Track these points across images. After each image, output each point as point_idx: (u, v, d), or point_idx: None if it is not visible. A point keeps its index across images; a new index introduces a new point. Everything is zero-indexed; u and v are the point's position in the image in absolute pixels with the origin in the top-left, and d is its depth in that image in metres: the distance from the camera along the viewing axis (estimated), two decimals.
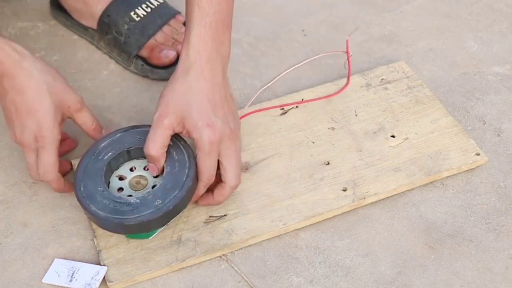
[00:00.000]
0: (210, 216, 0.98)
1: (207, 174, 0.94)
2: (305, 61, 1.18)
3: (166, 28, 1.18)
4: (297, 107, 1.12)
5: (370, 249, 0.98)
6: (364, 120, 1.10)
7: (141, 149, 0.95)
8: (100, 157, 0.96)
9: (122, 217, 0.90)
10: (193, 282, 0.94)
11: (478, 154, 1.05)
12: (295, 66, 1.17)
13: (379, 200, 1.02)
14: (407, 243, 0.98)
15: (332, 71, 1.19)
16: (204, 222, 0.98)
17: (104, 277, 0.92)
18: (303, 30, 1.27)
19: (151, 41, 1.17)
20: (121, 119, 1.13)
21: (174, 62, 1.16)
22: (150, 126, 0.95)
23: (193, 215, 0.98)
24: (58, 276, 0.93)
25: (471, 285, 0.95)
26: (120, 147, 0.97)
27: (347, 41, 1.14)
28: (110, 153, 0.96)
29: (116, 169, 0.97)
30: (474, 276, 0.95)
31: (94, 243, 0.97)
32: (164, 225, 0.96)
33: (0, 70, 0.93)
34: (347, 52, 1.14)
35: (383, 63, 1.20)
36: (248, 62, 1.22)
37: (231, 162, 0.95)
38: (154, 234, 0.96)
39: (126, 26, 1.17)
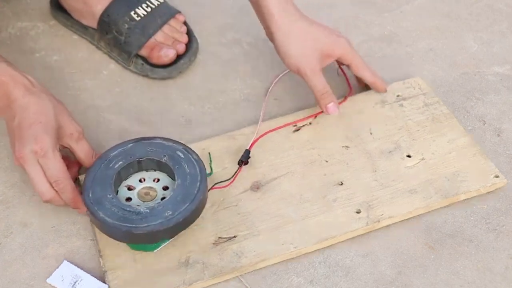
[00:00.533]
0: (219, 238, 0.96)
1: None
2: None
3: (166, 28, 1.18)
4: (310, 123, 1.09)
5: (370, 249, 0.98)
6: (379, 138, 1.07)
7: (152, 160, 0.96)
8: (110, 165, 0.95)
9: (130, 225, 0.89)
10: None
11: (497, 176, 1.02)
12: (283, 74, 1.17)
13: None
14: (407, 243, 0.98)
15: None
16: (213, 244, 0.95)
17: None
18: None
19: (151, 40, 1.17)
20: (121, 119, 1.13)
21: (174, 61, 1.17)
22: (160, 138, 0.97)
23: (202, 236, 0.96)
24: (62, 280, 0.93)
25: (471, 285, 0.95)
26: (131, 157, 0.96)
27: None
28: (120, 162, 0.95)
29: (125, 179, 0.96)
30: (474, 276, 0.95)
31: (94, 244, 0.97)
32: (171, 238, 0.94)
33: (11, 97, 0.95)
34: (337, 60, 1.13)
35: (383, 62, 1.20)
36: (248, 62, 1.22)
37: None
38: (159, 248, 0.94)
39: (126, 26, 1.17)
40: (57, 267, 0.95)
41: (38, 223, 1.00)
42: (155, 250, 0.94)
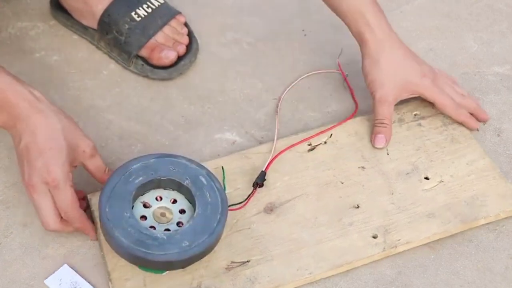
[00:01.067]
0: (232, 262, 0.93)
1: (448, 101, 1.08)
2: (300, 78, 1.16)
3: (166, 29, 1.18)
4: (325, 143, 1.06)
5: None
6: (397, 159, 1.04)
7: (173, 181, 0.93)
8: (130, 179, 0.92)
9: (146, 250, 0.87)
10: None
11: None
12: (301, 78, 1.17)
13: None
14: None
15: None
16: (226, 268, 0.92)
17: None
18: (303, 30, 1.27)
19: (152, 41, 1.17)
20: (121, 119, 1.13)
21: (175, 63, 1.17)
22: (184, 158, 0.95)
23: (214, 261, 0.93)
24: (60, 284, 0.93)
25: (471, 285, 0.95)
26: (152, 174, 0.93)
27: (338, 64, 1.15)
28: (141, 177, 0.92)
29: (141, 194, 0.93)
30: (474, 276, 0.95)
31: (95, 244, 0.97)
32: (184, 268, 0.91)
33: (15, 113, 0.91)
34: (342, 73, 1.13)
35: None
36: (248, 62, 1.22)
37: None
38: (167, 271, 0.92)
39: (126, 26, 1.17)
40: (57, 267, 0.95)
41: (38, 223, 0.99)
42: (164, 273, 0.92)
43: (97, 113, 1.13)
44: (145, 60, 1.18)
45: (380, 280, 0.95)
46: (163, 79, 1.17)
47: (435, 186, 1.02)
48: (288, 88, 1.16)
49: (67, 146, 0.92)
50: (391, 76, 1.06)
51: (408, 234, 0.96)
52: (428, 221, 0.98)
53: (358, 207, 0.99)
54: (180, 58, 1.17)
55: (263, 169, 1.01)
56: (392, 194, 1.00)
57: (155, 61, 1.16)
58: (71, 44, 1.24)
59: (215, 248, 0.92)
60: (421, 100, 1.10)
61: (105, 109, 1.14)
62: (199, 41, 1.22)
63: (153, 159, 0.94)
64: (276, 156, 1.03)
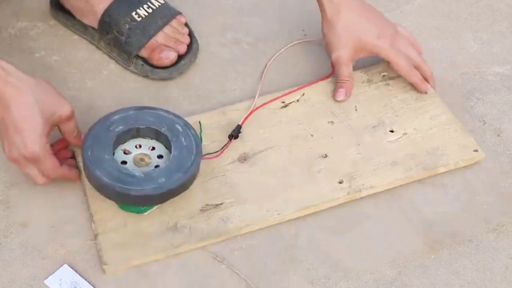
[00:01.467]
0: (207, 204, 1.00)
1: (405, 60, 1.12)
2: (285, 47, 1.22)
3: (167, 29, 1.18)
4: (298, 101, 1.12)
5: (370, 249, 0.98)
6: (364, 115, 1.11)
7: (151, 129, 1.00)
8: (111, 128, 0.99)
9: (125, 186, 0.93)
10: (193, 282, 0.94)
11: (476, 151, 1.06)
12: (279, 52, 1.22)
13: (375, 194, 1.02)
14: (407, 243, 0.98)
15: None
16: (200, 210, 0.99)
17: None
18: (303, 30, 1.27)
19: (152, 41, 1.17)
20: None
21: (175, 63, 1.17)
22: (162, 109, 1.02)
23: (190, 204, 1.00)
24: (60, 284, 0.93)
25: (471, 285, 0.95)
26: (132, 123, 1.00)
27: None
28: (121, 127, 0.99)
29: (122, 143, 1.00)
30: (474, 276, 0.95)
31: (95, 244, 0.97)
32: (160, 203, 0.98)
33: None
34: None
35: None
36: (248, 62, 1.22)
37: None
38: (149, 211, 0.98)
39: (127, 26, 1.17)
40: (57, 267, 0.95)
41: (38, 223, 1.00)
42: (146, 213, 0.98)
43: (97, 113, 1.13)
44: (145, 60, 1.18)
45: (380, 280, 0.95)
46: (163, 79, 1.17)
47: (399, 138, 1.08)
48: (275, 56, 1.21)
49: (42, 120, 0.95)
50: (345, 38, 1.12)
51: (372, 180, 1.03)
52: (392, 168, 1.04)
53: (326, 156, 1.05)
54: (180, 58, 1.17)
55: (239, 123, 1.07)
56: (359, 145, 1.07)
57: (155, 62, 1.17)
58: (71, 44, 1.24)
59: (191, 193, 0.99)
60: (390, 62, 1.16)
61: (105, 109, 1.14)
62: (199, 41, 1.22)
63: (132, 111, 1.01)
64: (252, 112, 1.10)
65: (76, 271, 0.95)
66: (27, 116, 0.94)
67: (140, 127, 1.00)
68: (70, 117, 0.99)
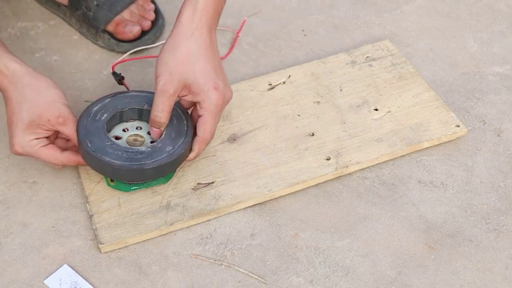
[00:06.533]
0: (198, 183, 1.02)
1: (213, 133, 1.01)
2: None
3: (133, 6, 1.23)
4: (284, 82, 1.15)
5: (370, 249, 0.98)
6: (349, 94, 1.14)
7: (133, 109, 1.02)
8: (97, 118, 1.00)
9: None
10: (193, 282, 0.94)
11: (458, 126, 1.09)
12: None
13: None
14: (407, 243, 0.98)
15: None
16: (192, 189, 1.02)
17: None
18: (303, 30, 1.28)
19: (118, 17, 1.22)
20: None
21: (139, 37, 1.22)
22: (135, 90, 1.04)
23: (182, 182, 1.02)
24: (60, 284, 0.93)
25: (471, 285, 0.95)
26: (113, 109, 1.02)
27: (244, 21, 1.24)
28: (106, 114, 1.01)
29: (109, 131, 1.01)
30: (474, 276, 0.95)
31: (95, 244, 0.97)
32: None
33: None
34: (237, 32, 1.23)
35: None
36: (248, 62, 1.22)
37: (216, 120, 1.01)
38: (135, 188, 1.01)
39: (95, 2, 1.22)
40: (57, 267, 0.95)
41: (38, 223, 1.00)
42: (131, 190, 1.01)
43: None
44: (111, 35, 1.23)
45: (380, 280, 0.95)
46: (127, 52, 1.19)
47: (383, 115, 1.11)
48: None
49: (26, 119, 0.97)
50: (181, 68, 0.97)
51: (358, 156, 1.06)
52: (377, 145, 1.07)
53: (313, 135, 1.09)
54: (145, 33, 1.23)
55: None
56: (344, 123, 1.10)
57: (120, 36, 1.22)
58: (71, 44, 1.24)
59: (183, 172, 1.03)
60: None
61: None
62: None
63: (108, 99, 1.03)
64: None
65: (76, 271, 0.95)
66: (14, 114, 0.98)
67: (124, 109, 1.02)
68: (62, 122, 0.98)
